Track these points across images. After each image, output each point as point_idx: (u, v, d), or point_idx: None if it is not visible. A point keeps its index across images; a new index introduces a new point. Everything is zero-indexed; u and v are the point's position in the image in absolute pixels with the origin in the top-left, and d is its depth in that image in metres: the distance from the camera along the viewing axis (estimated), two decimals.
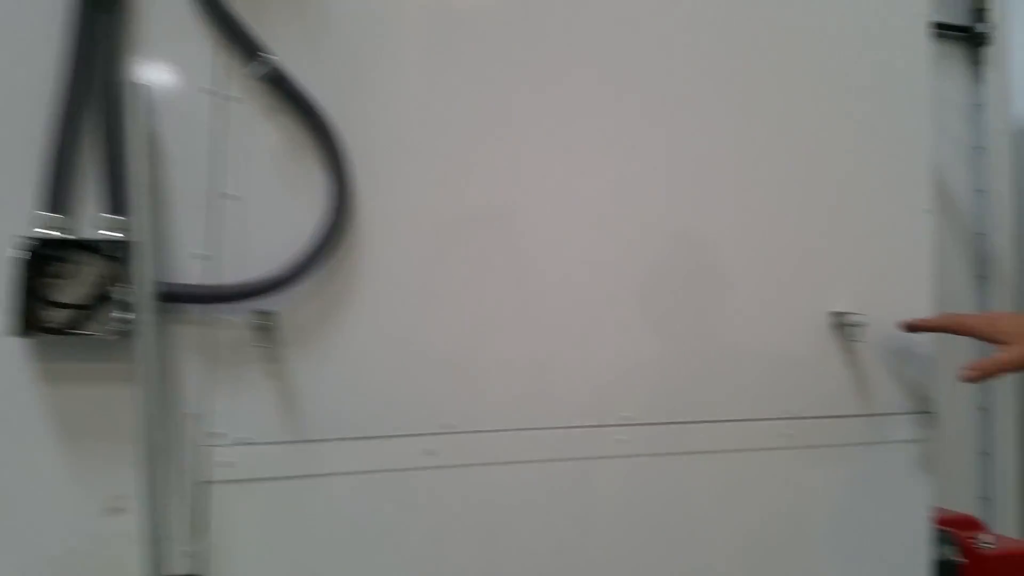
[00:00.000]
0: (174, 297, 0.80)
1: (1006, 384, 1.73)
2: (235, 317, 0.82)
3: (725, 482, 0.95)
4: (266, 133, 0.83)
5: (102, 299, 0.76)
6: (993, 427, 1.75)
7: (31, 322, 0.74)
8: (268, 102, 0.83)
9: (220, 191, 0.82)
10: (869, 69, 1.03)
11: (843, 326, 0.99)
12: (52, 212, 0.76)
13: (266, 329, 0.82)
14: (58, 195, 0.76)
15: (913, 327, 1.00)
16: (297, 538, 0.83)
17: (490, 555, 0.87)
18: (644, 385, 0.93)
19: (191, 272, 0.81)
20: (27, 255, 0.74)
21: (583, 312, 0.91)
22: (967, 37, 1.72)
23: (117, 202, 0.78)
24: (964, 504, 1.77)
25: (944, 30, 1.71)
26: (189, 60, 0.81)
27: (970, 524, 1.28)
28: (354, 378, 0.85)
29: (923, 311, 1.04)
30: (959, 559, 1.11)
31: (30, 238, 0.74)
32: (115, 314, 0.76)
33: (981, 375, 0.93)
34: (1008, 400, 1.74)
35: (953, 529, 1.20)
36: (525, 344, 0.89)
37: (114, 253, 0.76)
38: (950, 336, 1.02)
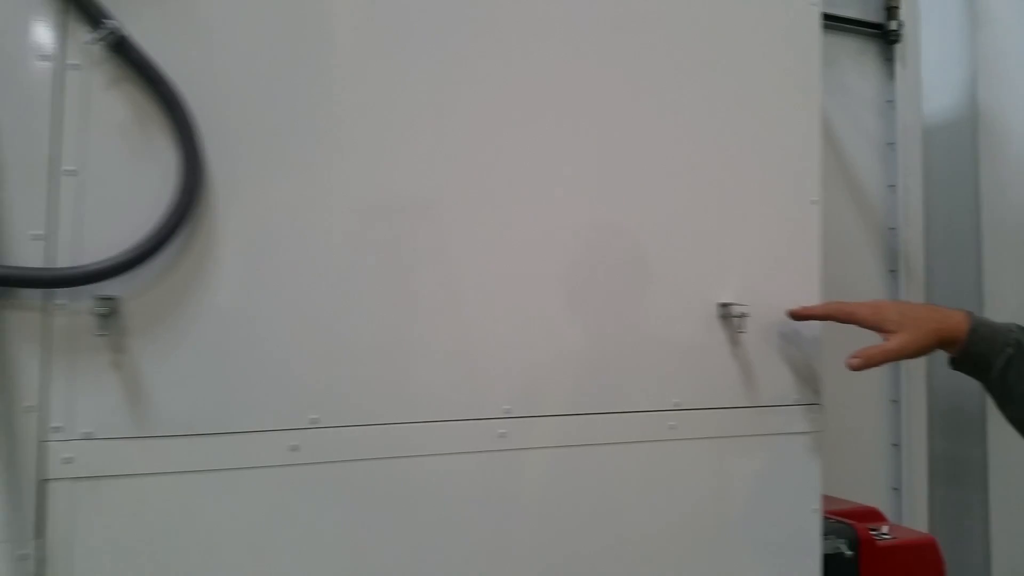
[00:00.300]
0: (8, 281, 0.74)
1: (916, 376, 1.75)
2: (75, 303, 0.76)
3: (610, 475, 0.92)
4: (110, 105, 0.77)
5: None
6: (903, 419, 1.77)
7: None
8: (112, 71, 0.77)
9: (59, 166, 0.76)
10: (759, 61, 1.02)
11: (729, 317, 0.97)
12: None
13: (109, 316, 0.76)
14: None
15: (798, 315, 0.99)
16: (145, 540, 0.78)
17: (357, 553, 0.83)
18: (522, 378, 0.90)
19: (28, 254, 0.75)
20: None
21: (450, 303, 0.87)
22: (880, 34, 1.74)
23: None
24: (876, 495, 1.80)
25: (858, 26, 1.72)
26: (26, 26, 0.75)
27: (871, 516, 1.29)
28: (207, 369, 0.79)
29: (810, 301, 1.03)
30: (849, 552, 1.11)
31: None
32: None
33: (866, 363, 0.93)
34: (918, 392, 1.76)
35: (853, 521, 1.20)
36: (393, 332, 0.85)
37: None
38: (841, 327, 1.02)
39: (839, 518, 1.20)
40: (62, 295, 0.76)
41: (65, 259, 0.76)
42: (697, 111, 0.99)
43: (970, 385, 1.82)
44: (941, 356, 1.84)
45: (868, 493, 1.60)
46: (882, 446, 1.79)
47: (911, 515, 1.78)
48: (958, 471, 1.87)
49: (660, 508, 0.95)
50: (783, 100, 1.02)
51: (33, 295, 0.76)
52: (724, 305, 0.99)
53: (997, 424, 1.76)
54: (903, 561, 1.19)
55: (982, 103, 1.79)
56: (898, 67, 1.73)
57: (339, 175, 0.84)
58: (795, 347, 1.02)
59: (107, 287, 0.76)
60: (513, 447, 0.88)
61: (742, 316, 0.96)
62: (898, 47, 1.73)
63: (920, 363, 1.77)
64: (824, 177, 1.67)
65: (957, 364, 0.95)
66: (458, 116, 0.88)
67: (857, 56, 1.76)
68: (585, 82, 0.94)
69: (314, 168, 0.83)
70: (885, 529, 1.23)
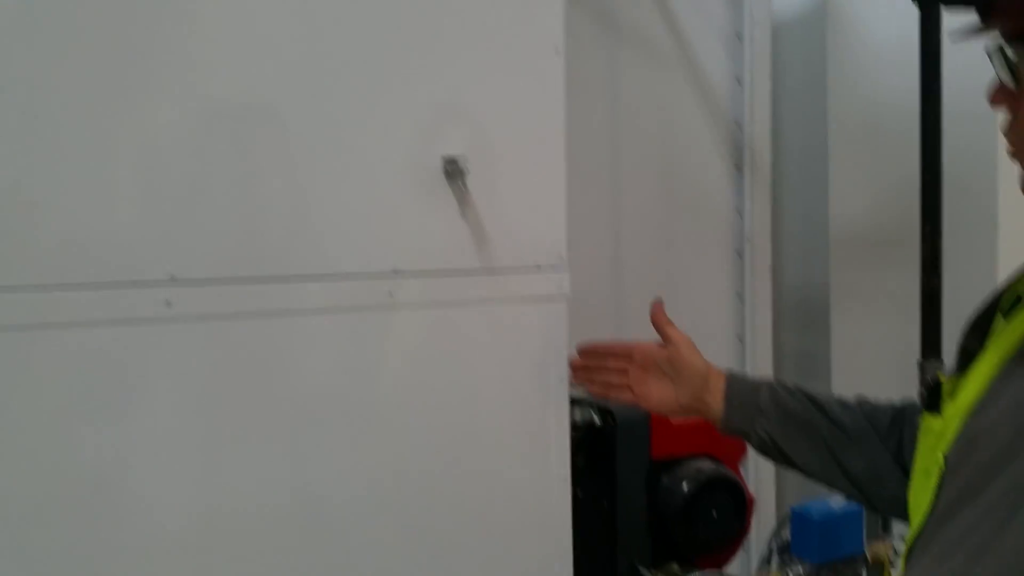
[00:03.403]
0: None
1: (762, 270, 1.78)
2: None
3: (329, 342, 0.87)
4: None
5: None
6: (747, 313, 1.81)
7: None
8: None
9: None
10: None
11: (458, 172, 0.89)
12: None
13: None
14: None
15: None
16: None
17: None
18: (223, 233, 0.80)
19: None
20: None
21: None
22: None
23: None
24: None
25: None
26: None
27: None
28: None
29: (552, 160, 0.98)
30: (600, 423, 1.13)
31: None
32: None
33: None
34: (763, 285, 1.79)
35: None
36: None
37: None
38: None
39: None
40: None
41: None
42: None
43: (818, 278, 1.87)
44: (790, 250, 1.88)
45: None
46: (727, 340, 1.83)
47: None
48: (805, 365, 1.93)
49: (382, 382, 0.89)
50: None
51: None
52: (450, 160, 0.89)
53: (841, 317, 1.81)
54: (699, 436, 1.22)
55: None
56: None
57: None
58: (535, 206, 0.97)
59: None
60: (183, 315, 0.79)
61: (466, 172, 0.89)
62: None
63: (766, 257, 1.79)
64: (664, 66, 1.67)
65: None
66: None
67: None
68: None
69: None
70: None
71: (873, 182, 1.70)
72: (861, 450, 0.84)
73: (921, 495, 0.65)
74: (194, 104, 0.81)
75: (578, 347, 1.03)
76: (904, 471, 0.77)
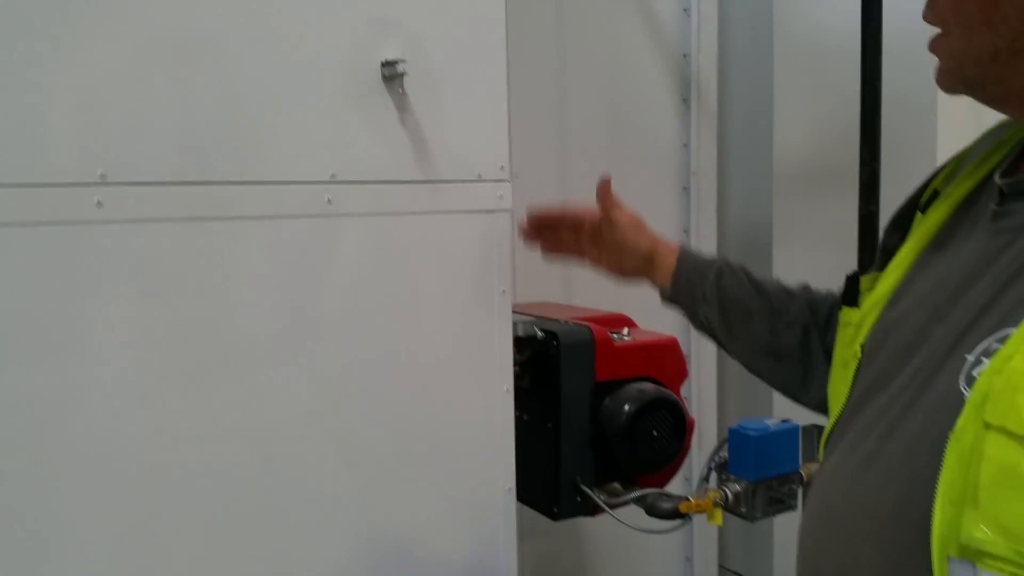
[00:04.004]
0: None
1: (707, 208, 1.79)
2: None
3: (267, 250, 0.84)
4: None
5: None
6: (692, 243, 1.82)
7: None
8: None
9: None
10: None
11: (396, 77, 0.86)
12: None
13: None
14: None
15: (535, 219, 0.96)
16: None
17: None
18: (138, 136, 0.77)
19: None
20: None
21: None
22: None
23: None
24: (668, 318, 1.86)
25: None
26: None
27: (619, 321, 1.33)
28: None
29: (493, 60, 0.95)
30: (541, 335, 1.13)
31: None
32: None
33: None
34: (708, 222, 1.80)
35: (593, 324, 1.22)
36: None
37: None
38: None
39: (578, 321, 1.22)
40: None
41: None
42: None
43: (762, 212, 1.88)
44: (735, 184, 1.87)
45: (660, 317, 1.64)
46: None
47: (698, 336, 1.86)
48: None
49: (322, 293, 0.87)
50: None
51: None
52: (388, 63, 0.86)
53: (784, 250, 1.83)
54: (642, 359, 1.24)
55: None
56: None
57: None
58: (477, 116, 0.95)
59: None
60: (116, 219, 0.76)
61: (402, 75, 0.86)
62: None
63: (712, 192, 1.80)
64: None
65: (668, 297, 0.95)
66: None
67: None
68: None
69: None
70: (626, 331, 1.27)
71: (817, 113, 1.71)
72: (796, 341, 0.85)
73: (839, 386, 0.67)
74: (123, 20, 0.77)
75: (528, 213, 1.02)
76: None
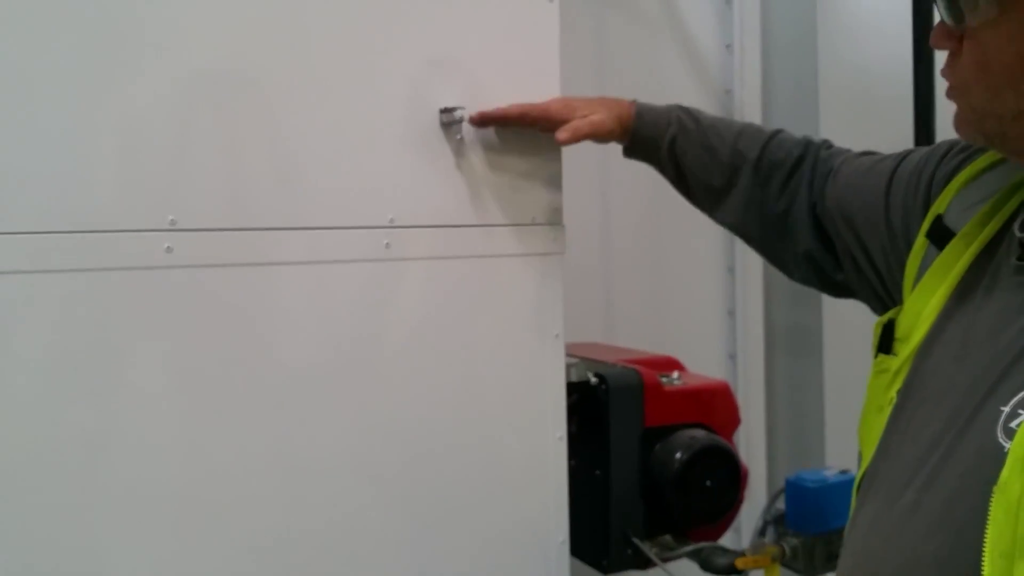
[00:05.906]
0: None
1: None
2: None
3: (328, 294, 0.85)
4: None
5: None
6: (738, 287, 1.78)
7: None
8: None
9: None
10: None
11: (453, 124, 0.88)
12: None
13: None
14: None
15: (483, 118, 0.91)
16: None
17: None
18: (204, 184, 0.78)
19: None
20: None
21: None
22: None
23: None
24: (712, 363, 1.82)
25: None
26: None
27: (667, 364, 1.29)
28: None
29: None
30: (595, 381, 1.10)
31: None
32: None
33: (573, 135, 0.90)
34: (754, 259, 1.77)
35: (642, 367, 1.19)
36: None
37: None
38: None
39: (627, 364, 1.18)
40: None
41: None
42: None
43: None
44: None
45: (704, 362, 1.60)
46: (718, 315, 1.80)
47: (745, 383, 1.81)
48: (796, 339, 1.90)
49: (378, 337, 0.87)
50: None
51: None
52: (447, 111, 0.88)
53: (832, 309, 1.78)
54: (693, 405, 1.19)
55: None
56: None
57: None
58: (533, 162, 0.95)
59: None
60: (184, 263, 0.78)
61: (463, 121, 0.87)
62: None
63: None
64: (654, 31, 1.63)
65: (630, 151, 0.96)
66: None
67: None
68: None
69: None
70: (676, 375, 1.23)
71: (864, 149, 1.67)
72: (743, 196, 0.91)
73: (873, 430, 0.67)
74: (184, 67, 0.78)
75: (480, 113, 0.93)
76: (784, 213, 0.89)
